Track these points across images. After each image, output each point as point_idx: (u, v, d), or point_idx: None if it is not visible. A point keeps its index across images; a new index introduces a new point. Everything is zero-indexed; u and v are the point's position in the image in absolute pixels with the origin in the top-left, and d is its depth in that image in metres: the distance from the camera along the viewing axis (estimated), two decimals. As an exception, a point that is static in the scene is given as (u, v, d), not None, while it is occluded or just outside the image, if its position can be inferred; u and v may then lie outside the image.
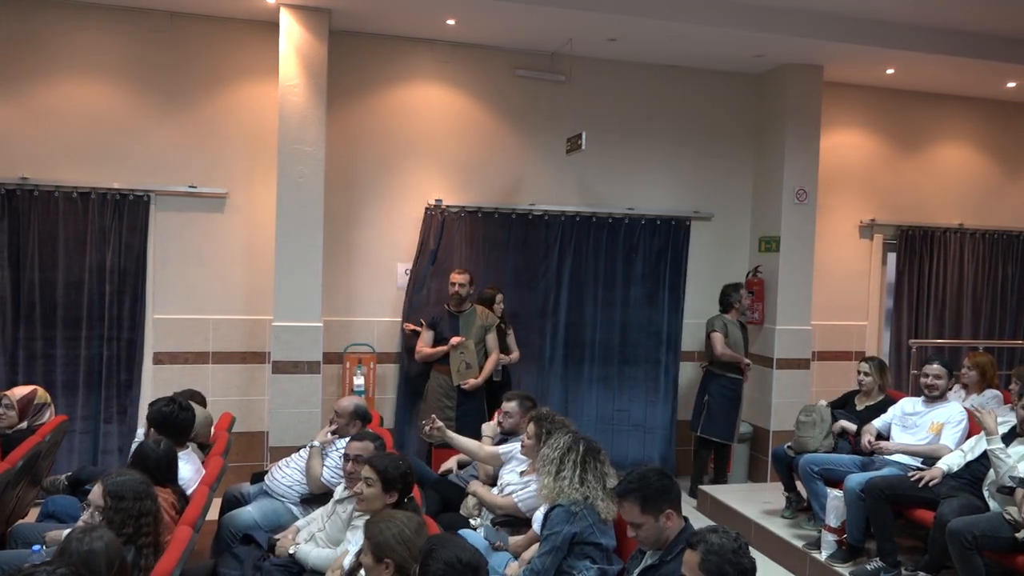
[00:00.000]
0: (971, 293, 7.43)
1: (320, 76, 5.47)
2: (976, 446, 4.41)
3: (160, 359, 5.67)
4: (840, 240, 7.20)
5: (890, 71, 6.67)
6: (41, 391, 4.52)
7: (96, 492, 2.91)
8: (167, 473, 3.48)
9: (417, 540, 2.60)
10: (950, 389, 5.02)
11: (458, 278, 5.71)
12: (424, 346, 5.71)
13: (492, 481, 4.36)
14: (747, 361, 6.27)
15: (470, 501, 4.22)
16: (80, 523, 3.02)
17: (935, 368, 4.80)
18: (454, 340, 5.58)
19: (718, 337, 6.16)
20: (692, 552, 2.36)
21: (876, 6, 5.66)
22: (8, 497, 3.74)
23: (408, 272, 6.13)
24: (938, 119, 7.44)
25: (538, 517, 3.62)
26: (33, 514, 4.38)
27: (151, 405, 4.01)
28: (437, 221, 6.10)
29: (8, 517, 3.98)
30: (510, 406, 4.54)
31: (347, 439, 4.32)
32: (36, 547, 3.11)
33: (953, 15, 5.80)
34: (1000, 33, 6.12)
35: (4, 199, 5.34)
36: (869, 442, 4.82)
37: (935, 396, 4.78)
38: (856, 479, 4.49)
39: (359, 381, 5.77)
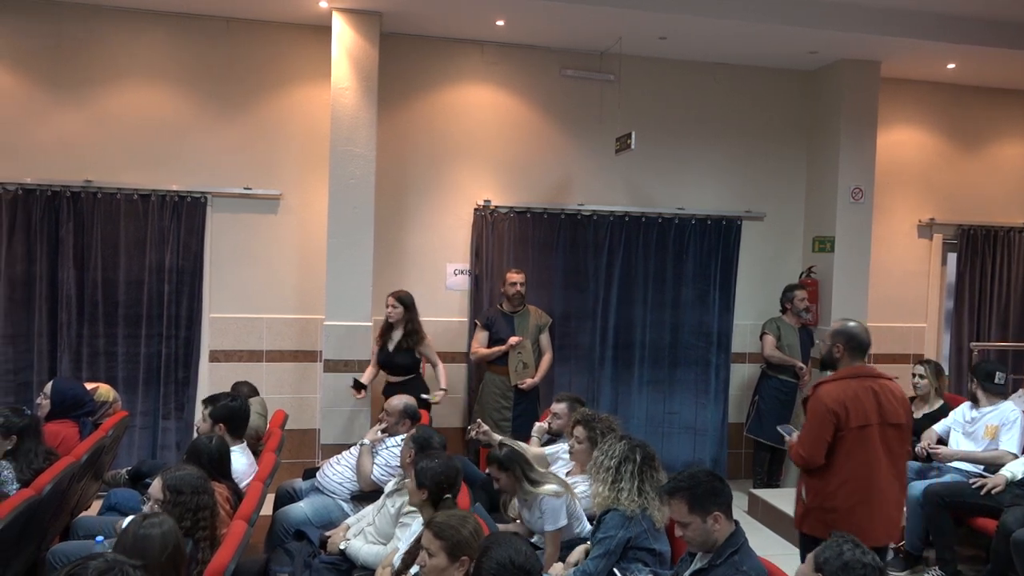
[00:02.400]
0: (1036, 294, 7.19)
1: (371, 78, 5.54)
2: (1042, 453, 4.26)
3: (216, 357, 5.81)
4: (898, 240, 7.02)
5: (951, 66, 6.48)
6: (103, 388, 4.67)
7: (156, 486, 2.99)
8: (221, 468, 3.56)
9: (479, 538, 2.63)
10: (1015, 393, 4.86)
11: (516, 277, 5.74)
12: (479, 347, 5.73)
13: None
14: (801, 365, 6.12)
15: (514, 502, 4.22)
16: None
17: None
18: (513, 340, 5.61)
19: (768, 340, 6.10)
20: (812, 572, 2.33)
21: (937, -1, 5.52)
22: (72, 490, 3.87)
23: (461, 272, 6.16)
24: (1001, 115, 7.20)
25: (527, 519, 3.63)
26: (95, 507, 4.53)
27: (210, 400, 4.10)
28: (487, 222, 6.13)
29: (72, 509, 4.12)
30: (559, 407, 4.55)
31: (397, 438, 4.38)
32: (99, 538, 3.22)
33: (1018, 7, 5.60)
34: (1069, 25, 5.90)
35: (69, 201, 5.53)
36: (927, 447, 4.69)
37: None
38: (917, 486, 4.38)
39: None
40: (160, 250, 5.67)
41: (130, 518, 2.81)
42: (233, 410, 4.03)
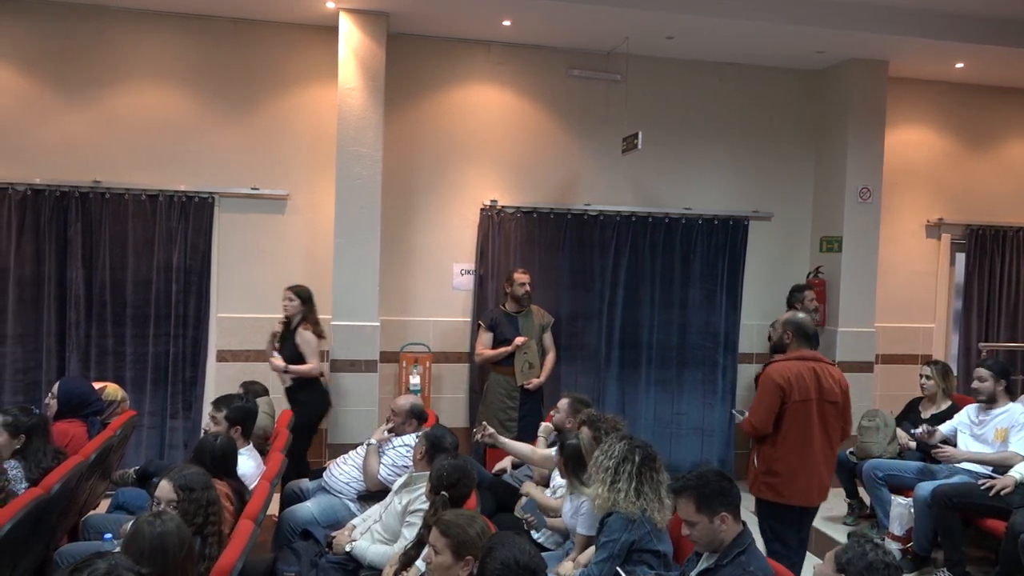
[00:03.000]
0: (1046, 295, 7.15)
1: (378, 79, 5.54)
2: (1051, 454, 4.24)
3: (223, 356, 5.83)
4: (906, 240, 6.99)
5: (959, 65, 6.45)
6: (111, 387, 4.69)
7: (165, 488, 2.99)
8: (224, 465, 3.56)
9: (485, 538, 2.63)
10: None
11: (524, 277, 5.73)
12: (484, 348, 5.71)
13: (547, 481, 4.37)
14: None
15: (524, 502, 4.22)
16: None
17: (979, 372, 4.68)
18: (519, 340, 5.61)
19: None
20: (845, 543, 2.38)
21: (945, -2, 5.49)
22: (80, 489, 3.88)
23: (467, 272, 6.17)
24: (1010, 114, 7.17)
25: (567, 510, 3.61)
26: (104, 505, 4.55)
27: (222, 402, 4.10)
28: (493, 222, 6.13)
29: (80, 508, 4.14)
30: (562, 403, 4.59)
31: (404, 437, 4.39)
32: (108, 535, 3.23)
33: (1027, 6, 5.58)
34: (1078, 24, 5.87)
35: (78, 202, 5.55)
36: (933, 444, 4.67)
37: (982, 400, 4.62)
38: (926, 487, 4.36)
39: (415, 380, 5.82)
40: (168, 250, 5.69)
41: (133, 521, 2.82)
42: (248, 411, 4.06)
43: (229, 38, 5.79)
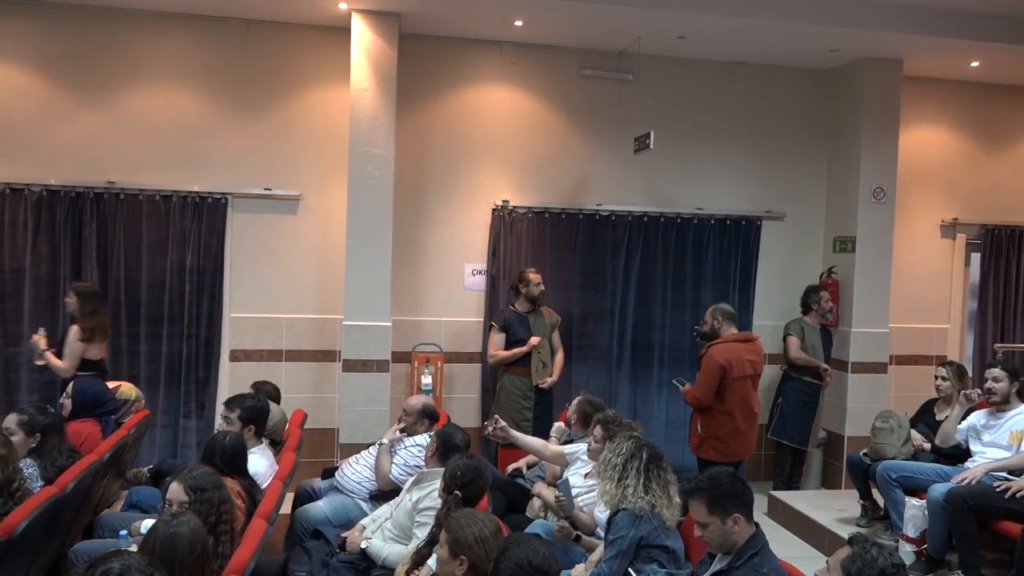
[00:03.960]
0: (1063, 295, 7.08)
1: (390, 79, 5.56)
2: (1068, 456, 4.20)
3: (236, 356, 5.85)
4: (920, 240, 6.94)
5: (974, 64, 6.40)
6: (125, 387, 4.72)
7: (176, 490, 3.00)
8: (235, 464, 3.58)
9: (494, 542, 2.61)
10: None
11: (538, 277, 5.72)
12: (497, 349, 5.67)
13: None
14: (825, 367, 6.07)
15: (536, 503, 4.22)
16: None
17: (994, 372, 4.59)
18: (535, 340, 5.61)
19: (793, 341, 6.04)
20: (847, 548, 2.36)
21: (960, -4, 5.45)
22: (95, 488, 3.91)
23: (479, 272, 6.18)
24: (1026, 113, 7.11)
25: (599, 518, 3.59)
26: (118, 504, 4.58)
27: (234, 402, 4.12)
28: (505, 222, 6.13)
29: (96, 506, 4.17)
30: (575, 403, 4.60)
31: (416, 437, 4.40)
32: (122, 532, 3.25)
33: (1044, 4, 5.53)
34: (1096, 21, 5.81)
35: (92, 202, 5.59)
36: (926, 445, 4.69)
37: (996, 402, 4.56)
38: (940, 489, 4.32)
39: (427, 380, 5.84)
40: (181, 250, 5.72)
41: (147, 521, 2.84)
42: (259, 410, 4.07)
43: (242, 39, 5.82)
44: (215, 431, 4.06)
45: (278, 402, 4.83)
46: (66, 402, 4.41)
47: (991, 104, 7.01)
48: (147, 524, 3.11)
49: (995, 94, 7.00)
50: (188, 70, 5.78)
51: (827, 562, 2.40)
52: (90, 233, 5.58)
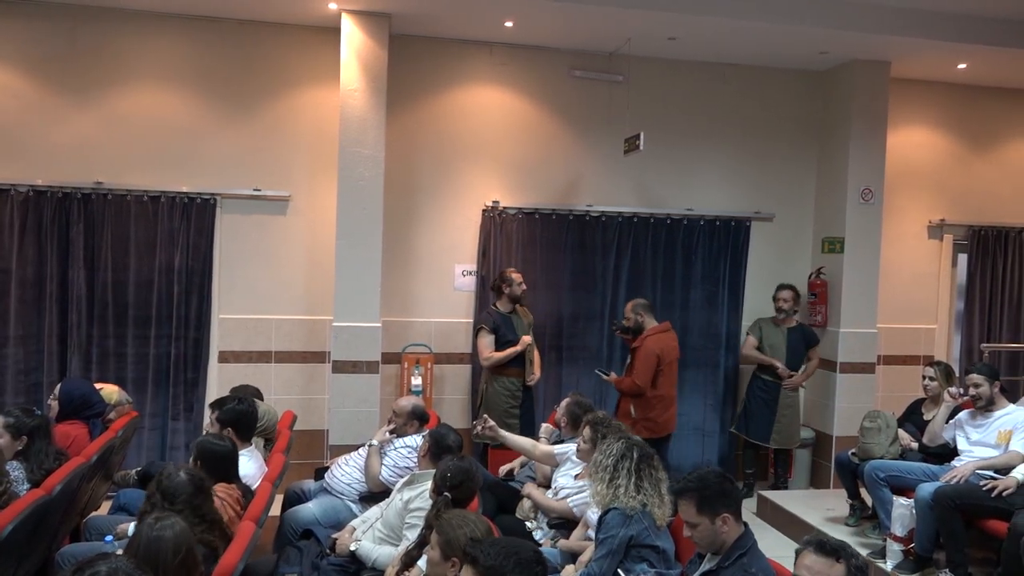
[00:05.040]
0: (1048, 296, 7.13)
1: (380, 80, 5.55)
2: (1054, 455, 4.23)
3: (225, 358, 5.83)
4: (908, 241, 6.98)
5: (962, 66, 6.44)
6: (108, 388, 4.68)
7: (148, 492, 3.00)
8: (230, 468, 3.57)
9: None
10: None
11: (519, 277, 5.73)
12: (491, 351, 5.62)
13: (549, 482, 4.37)
14: (779, 365, 6.09)
15: (525, 504, 4.23)
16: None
17: (974, 378, 4.60)
18: (527, 339, 5.64)
19: (748, 340, 6.25)
20: (829, 561, 2.31)
21: (947, -1, 5.49)
22: (83, 490, 3.89)
23: (469, 273, 6.18)
24: (1012, 115, 7.15)
25: (591, 518, 3.60)
26: (105, 507, 4.55)
27: (217, 404, 4.11)
28: (495, 222, 6.13)
29: (83, 509, 4.14)
30: (563, 403, 4.64)
31: (406, 439, 4.39)
32: (108, 537, 3.24)
33: (1030, 6, 5.57)
34: (1081, 24, 5.86)
35: (80, 203, 5.55)
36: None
37: (982, 406, 4.59)
38: (928, 488, 4.35)
39: (417, 381, 5.83)
40: (169, 251, 5.70)
41: (134, 524, 2.82)
42: (240, 413, 4.03)
43: (231, 40, 5.80)
44: (204, 433, 4.05)
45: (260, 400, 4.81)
46: (53, 404, 4.38)
47: (978, 106, 7.06)
48: (133, 527, 3.09)
49: (982, 96, 7.05)
50: (177, 70, 5.75)
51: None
52: (77, 234, 5.55)
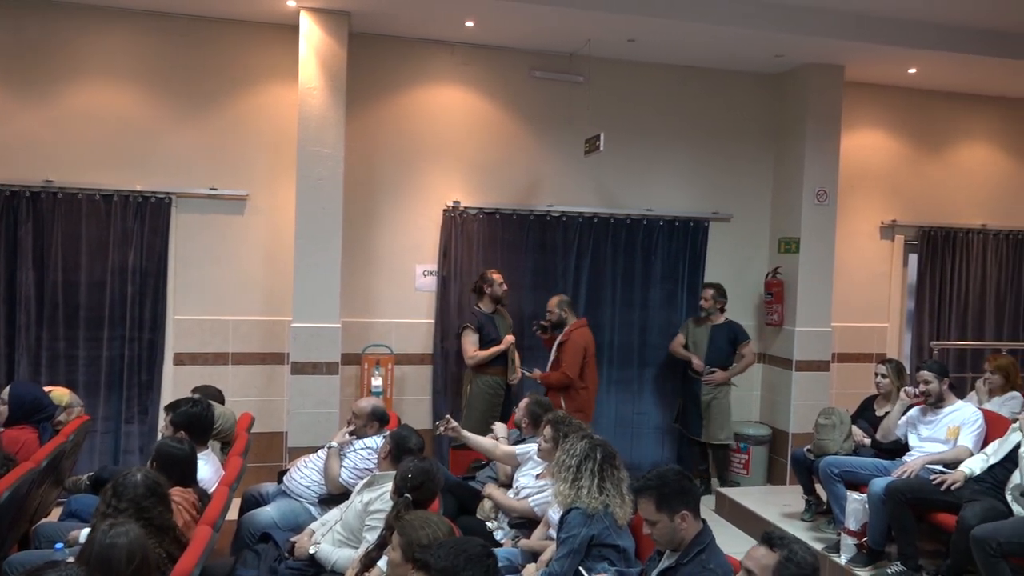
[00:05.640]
0: (994, 294, 7.34)
1: (339, 78, 5.50)
2: (999, 450, 4.35)
3: (180, 359, 5.73)
4: (861, 241, 7.14)
5: (912, 71, 6.60)
6: (58, 391, 4.56)
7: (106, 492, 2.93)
8: (188, 472, 3.51)
9: None
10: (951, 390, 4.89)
11: (500, 277, 5.80)
12: (475, 350, 5.65)
13: (511, 482, 4.37)
14: (693, 360, 6.20)
15: (486, 504, 4.22)
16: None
17: (924, 375, 4.73)
18: (510, 338, 5.71)
19: (675, 338, 6.38)
20: (769, 551, 2.34)
21: (899, 5, 5.61)
22: (32, 496, 3.79)
23: (430, 273, 6.16)
24: (961, 119, 7.36)
25: (552, 518, 3.61)
26: (56, 513, 4.43)
27: (171, 407, 4.04)
28: (456, 223, 6.12)
29: (32, 516, 4.03)
30: (522, 403, 4.67)
31: (365, 440, 4.36)
32: (59, 545, 3.16)
33: (977, 13, 5.73)
34: (1024, 31, 6.05)
35: (28, 202, 5.41)
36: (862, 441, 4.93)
37: (932, 403, 4.72)
38: (880, 483, 4.45)
39: (377, 382, 5.79)
40: (123, 251, 5.58)
41: (85, 530, 2.75)
42: (194, 416, 3.95)
43: (187, 36, 5.70)
44: (159, 436, 3.96)
45: (222, 401, 4.73)
46: (2, 409, 4.25)
47: (928, 110, 7.24)
48: (85, 534, 3.02)
49: (932, 100, 7.24)
50: (131, 66, 5.63)
51: (748, 570, 2.38)
52: (25, 233, 5.40)
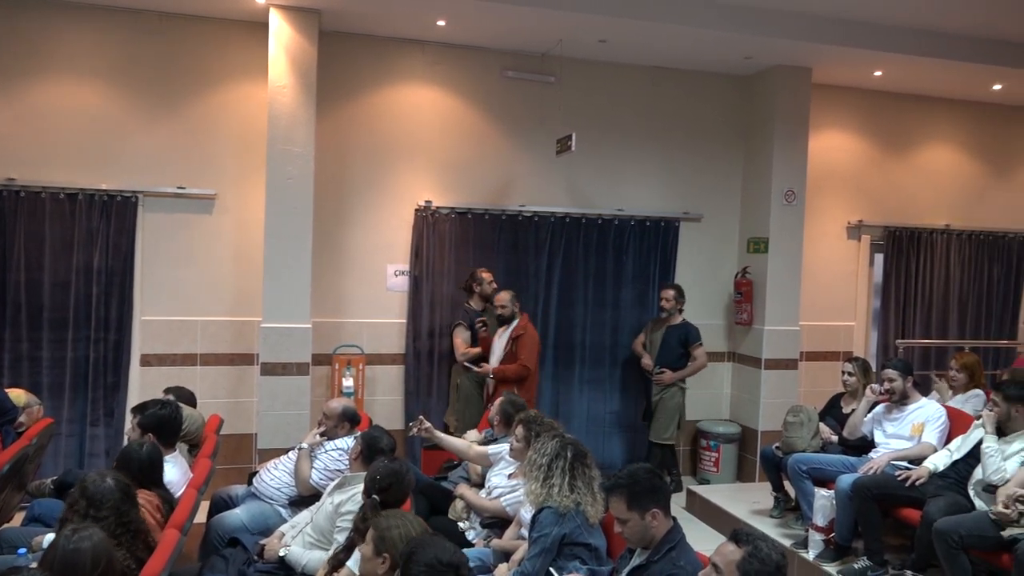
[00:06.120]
0: (957, 293, 7.48)
1: (310, 77, 5.45)
2: (962, 445, 4.44)
3: (147, 361, 5.64)
4: (828, 241, 7.23)
5: (878, 73, 6.71)
6: (15, 392, 4.46)
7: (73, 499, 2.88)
8: (152, 475, 3.46)
9: None
10: (917, 388, 4.98)
11: (489, 276, 5.89)
12: (466, 346, 5.77)
13: (483, 481, 4.37)
14: (644, 360, 6.25)
15: (458, 504, 4.21)
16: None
17: (888, 373, 4.83)
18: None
19: (637, 338, 6.43)
20: (735, 548, 2.36)
21: (865, 9, 5.70)
22: (-7, 501, 3.71)
23: (401, 273, 6.14)
24: (925, 121, 7.49)
25: (524, 517, 3.61)
26: (19, 518, 4.35)
27: (138, 409, 3.98)
28: (428, 222, 6.10)
29: (-6, 521, 3.95)
30: (496, 403, 4.65)
31: (336, 441, 4.33)
32: (21, 550, 3.10)
33: (941, 18, 5.84)
34: (987, 36, 6.16)
35: (-10, 200, 5.30)
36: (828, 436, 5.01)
37: (897, 400, 4.81)
38: (847, 479, 4.51)
39: (348, 383, 5.76)
40: (88, 251, 5.48)
41: (49, 535, 2.70)
42: (162, 418, 3.89)
43: (155, 33, 5.61)
44: (125, 438, 3.90)
45: (194, 406, 4.67)
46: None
47: (894, 111, 7.36)
48: (49, 539, 2.96)
49: (897, 102, 7.36)
50: (97, 63, 5.54)
51: (714, 564, 2.40)
52: (-13, 232, 5.29)
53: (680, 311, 6.26)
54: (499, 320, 5.72)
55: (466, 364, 5.74)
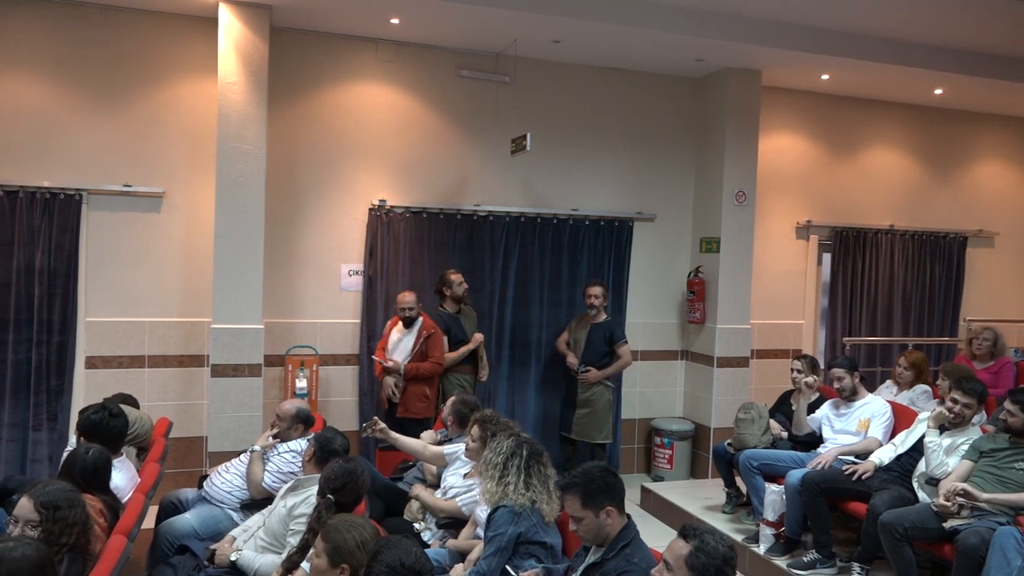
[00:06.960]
0: (901, 292, 7.69)
1: (261, 73, 5.37)
2: (906, 440, 4.57)
3: (93, 363, 5.50)
4: (778, 241, 7.37)
5: (825, 77, 6.86)
6: None
7: (25, 507, 2.78)
8: (95, 480, 3.36)
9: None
10: (863, 383, 5.10)
11: (459, 277, 5.83)
12: (446, 351, 5.69)
13: (439, 481, 4.35)
14: (568, 359, 6.12)
15: (414, 505, 4.19)
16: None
17: (836, 372, 4.98)
18: (479, 336, 5.86)
19: (561, 335, 6.34)
20: (683, 543, 2.39)
21: (812, 14, 5.82)
22: (-71, 509, 3.58)
23: (356, 273, 6.08)
24: (870, 124, 7.68)
25: (480, 516, 3.61)
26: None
27: (81, 412, 3.88)
28: (382, 222, 6.06)
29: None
30: (448, 403, 4.64)
31: (290, 443, 4.27)
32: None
33: (885, 23, 5.99)
34: (929, 42, 6.34)
35: (-76, 197, 5.10)
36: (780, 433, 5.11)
37: (846, 396, 4.94)
38: (796, 474, 4.61)
39: (302, 384, 5.68)
40: (29, 251, 5.31)
41: None
42: (95, 423, 3.77)
43: (99, 26, 5.46)
44: (69, 443, 3.79)
45: (136, 408, 4.56)
46: None
47: (840, 114, 7.53)
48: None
49: (843, 105, 7.53)
50: (39, 57, 5.37)
51: (665, 561, 2.43)
52: (-78, 231, 5.10)
53: (606, 309, 6.16)
54: (405, 322, 5.54)
55: (373, 357, 5.66)
